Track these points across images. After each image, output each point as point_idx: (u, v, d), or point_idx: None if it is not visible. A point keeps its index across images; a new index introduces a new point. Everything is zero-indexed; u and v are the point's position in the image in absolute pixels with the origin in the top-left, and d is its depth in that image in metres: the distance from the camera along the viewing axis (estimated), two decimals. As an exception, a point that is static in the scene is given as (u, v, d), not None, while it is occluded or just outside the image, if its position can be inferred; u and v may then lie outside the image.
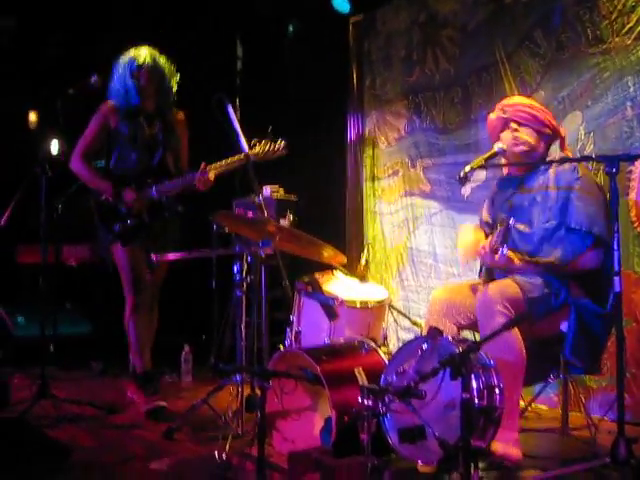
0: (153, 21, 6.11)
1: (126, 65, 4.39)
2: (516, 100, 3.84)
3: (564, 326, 3.45)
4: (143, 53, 4.40)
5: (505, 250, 3.31)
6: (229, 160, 4.18)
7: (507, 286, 3.47)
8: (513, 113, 3.70)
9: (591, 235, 3.42)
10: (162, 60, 4.45)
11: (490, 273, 3.76)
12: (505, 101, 3.83)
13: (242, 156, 4.01)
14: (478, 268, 3.93)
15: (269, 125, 4.14)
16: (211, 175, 4.21)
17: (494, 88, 4.97)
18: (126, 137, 4.43)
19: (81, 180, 4.53)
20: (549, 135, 3.69)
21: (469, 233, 3.82)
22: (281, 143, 4.11)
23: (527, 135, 3.65)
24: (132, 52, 4.43)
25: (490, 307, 3.38)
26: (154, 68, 4.40)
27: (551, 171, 3.62)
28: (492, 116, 3.78)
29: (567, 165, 3.58)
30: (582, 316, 3.41)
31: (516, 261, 3.47)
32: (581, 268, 3.47)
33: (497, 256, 3.35)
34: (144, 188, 4.36)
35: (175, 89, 4.51)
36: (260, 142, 4.07)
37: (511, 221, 3.36)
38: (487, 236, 3.74)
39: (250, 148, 4.02)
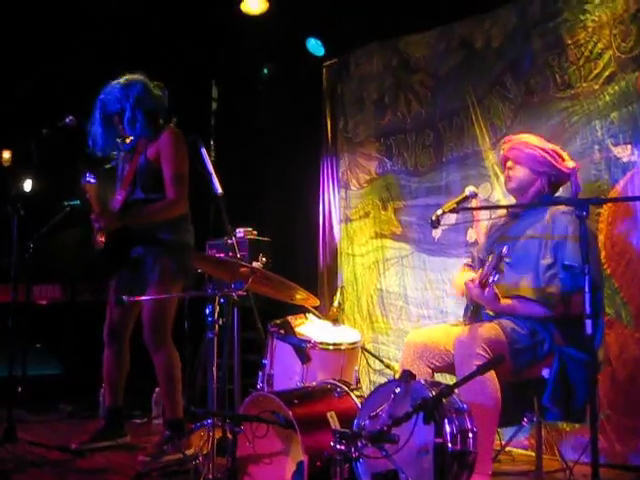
0: (128, 62, 6.11)
1: None
2: (516, 139, 3.83)
3: (546, 372, 3.44)
4: None
5: (496, 278, 3.27)
6: None
7: (489, 328, 3.44)
8: (508, 151, 3.77)
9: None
10: None
11: (476, 314, 3.69)
12: (508, 138, 3.87)
13: None
14: (450, 310, 3.90)
15: (244, 168, 4.12)
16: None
17: (465, 132, 5.05)
18: None
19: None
20: (549, 174, 3.66)
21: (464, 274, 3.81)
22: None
23: (520, 173, 3.69)
24: None
25: (469, 349, 3.36)
26: None
27: (548, 211, 3.60)
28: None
29: (564, 208, 3.55)
30: (565, 364, 3.39)
31: (500, 300, 3.44)
32: (575, 308, 3.33)
33: (487, 290, 3.34)
34: None
35: None
36: None
37: (504, 250, 3.26)
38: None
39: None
